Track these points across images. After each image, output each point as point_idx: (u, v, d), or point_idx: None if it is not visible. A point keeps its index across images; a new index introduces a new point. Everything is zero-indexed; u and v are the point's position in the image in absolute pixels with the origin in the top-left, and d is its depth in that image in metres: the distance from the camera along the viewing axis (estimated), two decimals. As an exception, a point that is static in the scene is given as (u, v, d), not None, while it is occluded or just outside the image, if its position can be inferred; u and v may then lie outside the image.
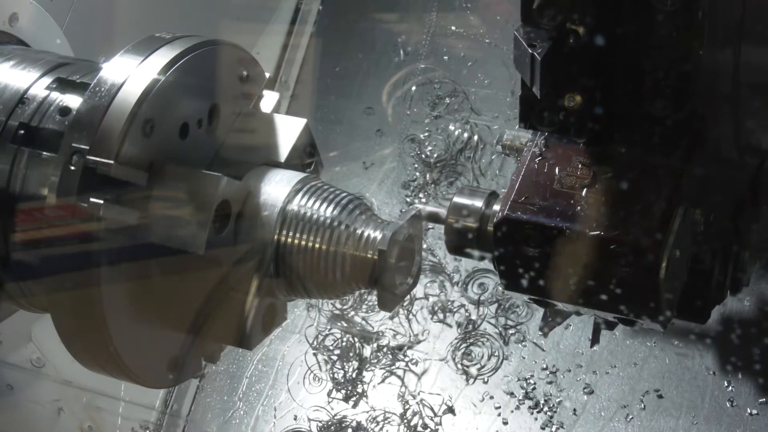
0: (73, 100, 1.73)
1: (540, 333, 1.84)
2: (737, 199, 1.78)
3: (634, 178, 1.57)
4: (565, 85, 1.56)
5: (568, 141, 1.65)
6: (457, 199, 1.70)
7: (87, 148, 1.54)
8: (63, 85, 1.76)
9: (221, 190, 1.60)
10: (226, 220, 1.64)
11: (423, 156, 3.29)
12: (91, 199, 1.52)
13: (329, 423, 3.00)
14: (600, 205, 1.56)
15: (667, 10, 1.48)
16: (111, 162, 1.53)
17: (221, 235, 1.63)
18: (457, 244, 1.69)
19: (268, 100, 1.84)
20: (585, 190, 1.58)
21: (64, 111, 1.72)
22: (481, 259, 1.67)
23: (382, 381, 3.03)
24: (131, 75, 1.60)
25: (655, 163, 1.58)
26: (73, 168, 1.55)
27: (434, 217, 1.73)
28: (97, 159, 1.53)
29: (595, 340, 1.81)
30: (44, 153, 1.68)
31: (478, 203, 1.68)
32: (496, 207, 1.65)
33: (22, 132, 1.71)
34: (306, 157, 1.83)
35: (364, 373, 3.05)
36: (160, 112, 1.61)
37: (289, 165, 1.77)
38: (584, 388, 2.87)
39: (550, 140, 1.66)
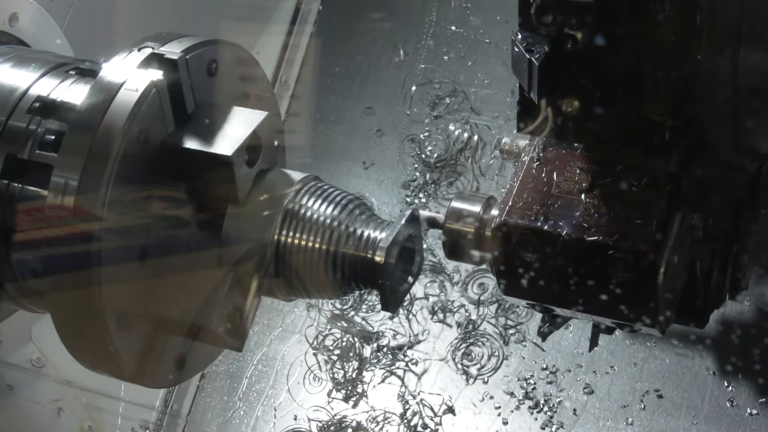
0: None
1: (539, 336, 1.84)
2: (736, 204, 1.78)
3: (632, 183, 1.57)
4: (562, 90, 1.56)
5: (566, 146, 1.65)
6: (455, 204, 1.70)
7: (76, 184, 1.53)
8: (47, 108, 1.75)
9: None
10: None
11: (423, 156, 3.29)
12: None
13: (329, 423, 3.00)
14: (598, 211, 1.56)
15: (665, 14, 1.48)
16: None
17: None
18: (455, 249, 1.69)
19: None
20: (583, 195, 1.58)
21: (50, 141, 1.70)
22: (479, 263, 1.67)
23: (382, 381, 3.03)
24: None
25: (653, 168, 1.58)
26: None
27: (432, 222, 1.73)
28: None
29: (593, 343, 1.81)
30: (37, 189, 1.66)
31: (476, 208, 1.68)
32: (494, 212, 1.65)
33: (11, 165, 1.69)
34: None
35: (364, 373, 3.05)
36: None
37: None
38: (584, 388, 2.87)
39: (548, 145, 1.66)
